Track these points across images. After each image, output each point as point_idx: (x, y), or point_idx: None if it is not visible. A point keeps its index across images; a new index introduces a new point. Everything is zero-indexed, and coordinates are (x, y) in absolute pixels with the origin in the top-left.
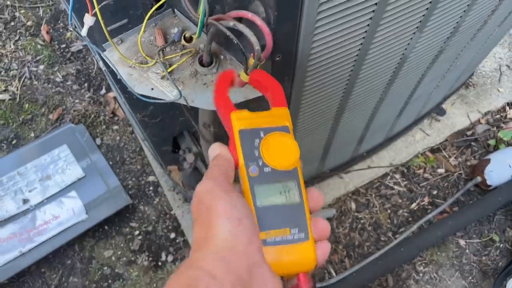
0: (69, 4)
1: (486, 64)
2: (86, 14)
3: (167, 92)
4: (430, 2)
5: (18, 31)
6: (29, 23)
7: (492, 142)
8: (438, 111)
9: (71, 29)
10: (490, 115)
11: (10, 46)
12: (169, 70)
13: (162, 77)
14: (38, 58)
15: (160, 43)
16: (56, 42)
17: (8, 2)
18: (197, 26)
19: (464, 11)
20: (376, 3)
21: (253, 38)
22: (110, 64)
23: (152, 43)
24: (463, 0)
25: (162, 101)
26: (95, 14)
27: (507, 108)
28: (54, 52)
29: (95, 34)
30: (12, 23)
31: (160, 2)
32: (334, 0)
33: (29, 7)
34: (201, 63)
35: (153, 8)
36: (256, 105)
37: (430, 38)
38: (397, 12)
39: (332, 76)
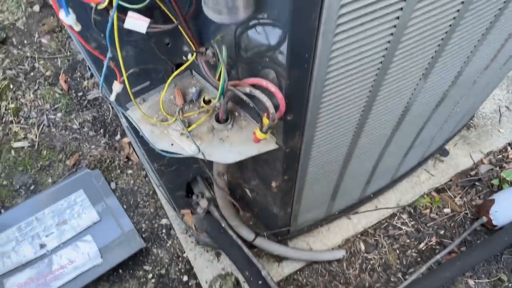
0: (98, 72)
1: (486, 106)
2: (115, 82)
3: (186, 147)
4: (435, 52)
5: (38, 80)
6: (48, 73)
7: (495, 182)
8: (441, 152)
9: (100, 94)
10: (492, 155)
11: (30, 95)
12: (189, 129)
13: (182, 134)
14: (56, 106)
15: (180, 102)
16: (73, 91)
17: (28, 54)
18: (214, 87)
19: (464, 62)
20: (380, 62)
21: (268, 103)
22: (133, 122)
23: (172, 102)
24: (465, 50)
25: (181, 155)
26: (123, 82)
27: (509, 148)
28: (72, 100)
29: (120, 96)
30: (32, 73)
31: (181, 68)
32: (340, 69)
33: (48, 58)
34: (217, 120)
35: (175, 74)
36: (269, 155)
37: (433, 87)
38: (402, 63)
39: (339, 130)
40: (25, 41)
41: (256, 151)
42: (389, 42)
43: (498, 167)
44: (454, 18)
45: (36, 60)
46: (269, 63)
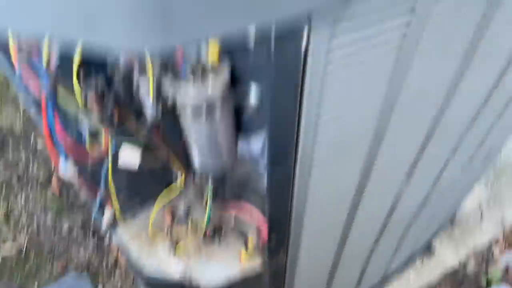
0: (91, 199)
1: (467, 202)
2: (106, 210)
3: (174, 266)
4: (419, 152)
5: (30, 184)
6: (41, 176)
7: (483, 280)
8: (428, 250)
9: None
10: (477, 252)
11: (22, 198)
12: (176, 246)
13: (169, 252)
14: (46, 209)
15: (168, 221)
16: (65, 193)
17: (23, 157)
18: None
19: (443, 167)
20: (354, 194)
21: (251, 227)
22: (121, 242)
23: (161, 220)
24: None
25: (168, 282)
26: (113, 209)
27: (492, 244)
28: (62, 203)
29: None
30: (25, 176)
31: (170, 188)
32: (318, 194)
33: (41, 162)
34: (205, 237)
35: (163, 194)
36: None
37: (415, 189)
38: (382, 172)
39: (323, 243)
40: (21, 145)
41: (242, 270)
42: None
43: (484, 264)
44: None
45: (30, 163)
46: (251, 191)
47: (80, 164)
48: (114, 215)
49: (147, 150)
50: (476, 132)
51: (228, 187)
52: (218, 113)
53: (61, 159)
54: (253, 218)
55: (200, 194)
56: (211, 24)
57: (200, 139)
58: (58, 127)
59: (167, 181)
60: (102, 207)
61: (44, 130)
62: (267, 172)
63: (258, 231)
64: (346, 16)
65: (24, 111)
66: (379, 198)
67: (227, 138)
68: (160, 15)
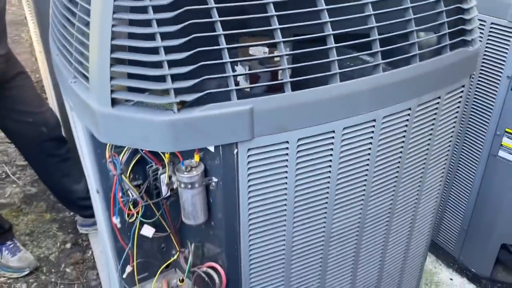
0: (118, 258)
1: None
2: (128, 266)
3: None
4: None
5: None
6: None
7: None
8: None
9: None
10: None
11: None
12: None
13: None
14: None
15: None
16: None
17: (53, 280)
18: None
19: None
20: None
21: (218, 280)
22: None
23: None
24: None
25: None
26: (133, 266)
27: None
28: None
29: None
30: None
31: (168, 263)
32: (258, 260)
33: (67, 283)
34: None
35: (162, 268)
36: None
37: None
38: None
39: None
40: (53, 270)
41: None
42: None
43: None
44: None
45: (58, 285)
46: (217, 253)
47: (122, 222)
48: (132, 273)
49: (158, 227)
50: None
51: (203, 252)
52: (196, 187)
53: (114, 216)
54: (219, 273)
55: (186, 264)
56: (195, 144)
57: (186, 201)
58: (119, 194)
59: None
60: (125, 263)
61: (111, 194)
62: (223, 234)
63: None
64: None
65: (60, 244)
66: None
67: (202, 203)
68: (173, 138)
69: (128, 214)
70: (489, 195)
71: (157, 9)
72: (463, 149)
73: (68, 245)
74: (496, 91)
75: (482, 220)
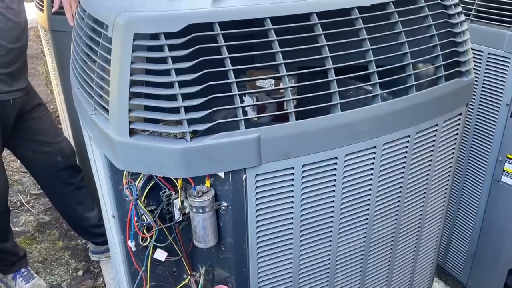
0: (132, 280)
1: None
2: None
3: None
4: None
5: None
6: None
7: None
8: None
9: None
10: None
11: None
12: None
13: None
14: None
15: None
16: None
17: None
18: None
19: None
20: None
21: None
22: None
23: None
24: None
25: None
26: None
27: None
28: None
29: None
30: None
31: (180, 285)
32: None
33: None
34: None
35: None
36: None
37: None
38: None
39: None
40: None
41: None
42: None
43: None
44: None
45: None
46: (227, 276)
47: (137, 246)
48: None
49: (170, 251)
50: None
51: (214, 275)
52: (207, 211)
53: (129, 239)
54: None
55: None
56: (206, 170)
57: (198, 225)
58: (134, 218)
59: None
60: (139, 287)
61: (127, 219)
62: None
63: None
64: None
65: (72, 271)
66: None
67: (212, 227)
68: (186, 165)
69: (142, 238)
70: (495, 220)
71: (172, 47)
72: (466, 175)
73: (80, 273)
74: (496, 118)
75: (489, 245)
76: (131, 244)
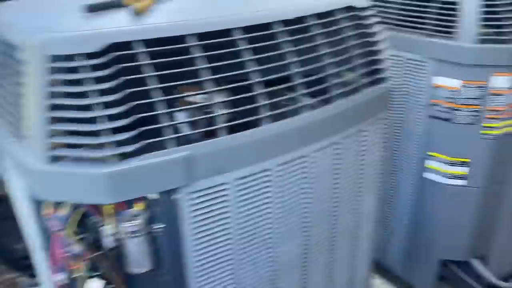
0: None
1: None
2: None
3: None
4: None
5: None
6: None
7: None
8: None
9: None
10: None
11: None
12: None
13: None
14: None
15: None
16: None
17: None
18: None
19: None
20: None
21: None
22: None
23: None
24: None
25: None
26: None
27: None
28: None
29: None
30: None
31: None
32: None
33: None
34: None
35: None
36: None
37: None
38: None
39: None
40: None
41: None
42: None
43: None
44: None
45: None
46: None
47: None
48: None
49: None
50: None
51: None
52: (140, 235)
53: (58, 272)
54: None
55: None
56: (135, 194)
57: (131, 250)
58: (62, 249)
59: None
60: None
61: (53, 250)
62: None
63: None
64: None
65: None
66: None
67: (147, 251)
68: (113, 190)
69: (73, 269)
70: (424, 215)
71: (94, 68)
72: (397, 173)
73: None
74: (418, 118)
75: (421, 239)
76: (60, 277)
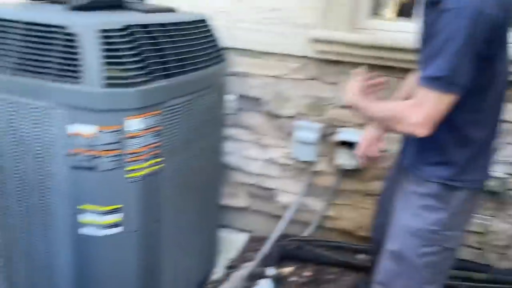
0: None
1: None
2: None
3: None
4: None
5: None
6: None
7: None
8: None
9: None
10: None
11: None
12: None
13: None
14: None
15: None
16: None
17: None
18: None
19: None
20: None
21: None
22: None
23: None
24: None
25: None
26: None
27: None
28: None
29: None
30: None
31: None
32: None
33: None
34: None
35: None
36: None
37: None
38: None
39: None
40: None
41: None
42: None
43: None
44: None
45: None
46: None
47: None
48: None
49: None
50: None
51: None
52: None
53: None
54: None
55: None
56: None
57: None
58: None
59: None
60: None
61: None
62: None
63: None
64: None
65: None
66: None
67: None
68: None
69: None
70: (89, 273)
71: None
72: (50, 235)
73: None
74: (61, 171)
75: None
76: None
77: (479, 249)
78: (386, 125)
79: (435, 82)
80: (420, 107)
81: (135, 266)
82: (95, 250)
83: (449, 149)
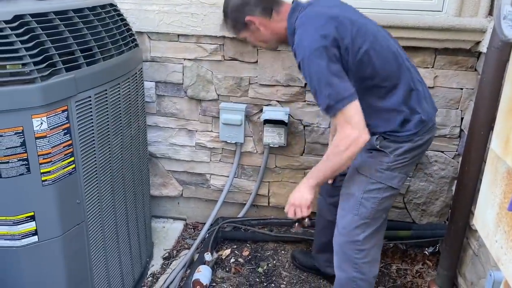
0: None
1: None
2: None
3: None
4: None
5: None
6: None
7: None
8: None
9: None
10: None
11: None
12: None
13: None
14: None
15: None
16: None
17: None
18: None
19: None
20: None
21: None
22: None
23: None
24: None
25: None
26: None
27: None
28: None
29: None
30: None
31: None
32: None
33: None
34: None
35: None
36: None
37: None
38: None
39: None
40: None
41: None
42: None
43: None
44: None
45: None
46: None
47: None
48: None
49: None
50: None
51: None
52: None
53: None
54: None
55: None
56: None
57: None
58: None
59: None
60: None
61: None
62: None
63: None
64: None
65: None
66: None
67: None
68: None
69: None
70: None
71: None
72: None
73: None
74: None
75: None
76: None
77: (402, 208)
78: (341, 166)
79: (334, 106)
80: (349, 124)
81: (62, 274)
82: (15, 263)
83: (390, 122)
